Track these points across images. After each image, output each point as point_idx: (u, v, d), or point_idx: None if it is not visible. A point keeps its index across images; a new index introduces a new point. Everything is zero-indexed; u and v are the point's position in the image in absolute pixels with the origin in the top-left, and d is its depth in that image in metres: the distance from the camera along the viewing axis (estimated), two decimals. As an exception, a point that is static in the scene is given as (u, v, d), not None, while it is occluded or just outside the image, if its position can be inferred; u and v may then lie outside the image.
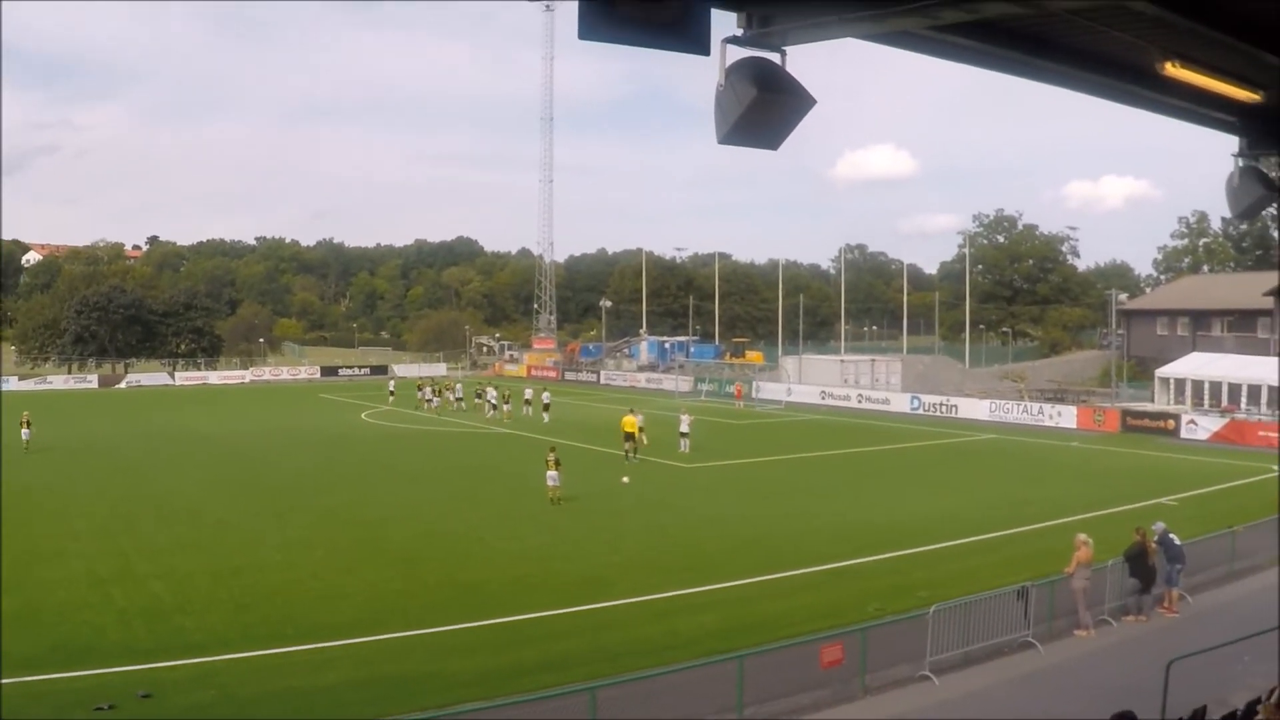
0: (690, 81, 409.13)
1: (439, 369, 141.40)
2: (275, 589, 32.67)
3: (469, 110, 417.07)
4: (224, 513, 45.07)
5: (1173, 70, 10.86)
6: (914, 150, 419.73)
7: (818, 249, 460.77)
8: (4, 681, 23.53)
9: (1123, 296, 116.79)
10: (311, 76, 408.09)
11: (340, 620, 29.17)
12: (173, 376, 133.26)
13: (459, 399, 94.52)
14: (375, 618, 29.37)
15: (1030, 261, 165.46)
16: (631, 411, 64.85)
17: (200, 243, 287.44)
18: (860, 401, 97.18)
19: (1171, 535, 30.88)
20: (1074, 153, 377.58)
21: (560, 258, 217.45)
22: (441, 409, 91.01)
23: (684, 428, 64.82)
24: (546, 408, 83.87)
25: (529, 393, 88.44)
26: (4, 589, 31.69)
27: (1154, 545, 30.12)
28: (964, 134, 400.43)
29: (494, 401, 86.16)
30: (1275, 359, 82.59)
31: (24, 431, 65.58)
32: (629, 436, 61.84)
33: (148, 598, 31.53)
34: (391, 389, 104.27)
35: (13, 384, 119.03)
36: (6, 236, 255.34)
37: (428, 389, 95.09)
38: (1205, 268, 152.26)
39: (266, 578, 33.95)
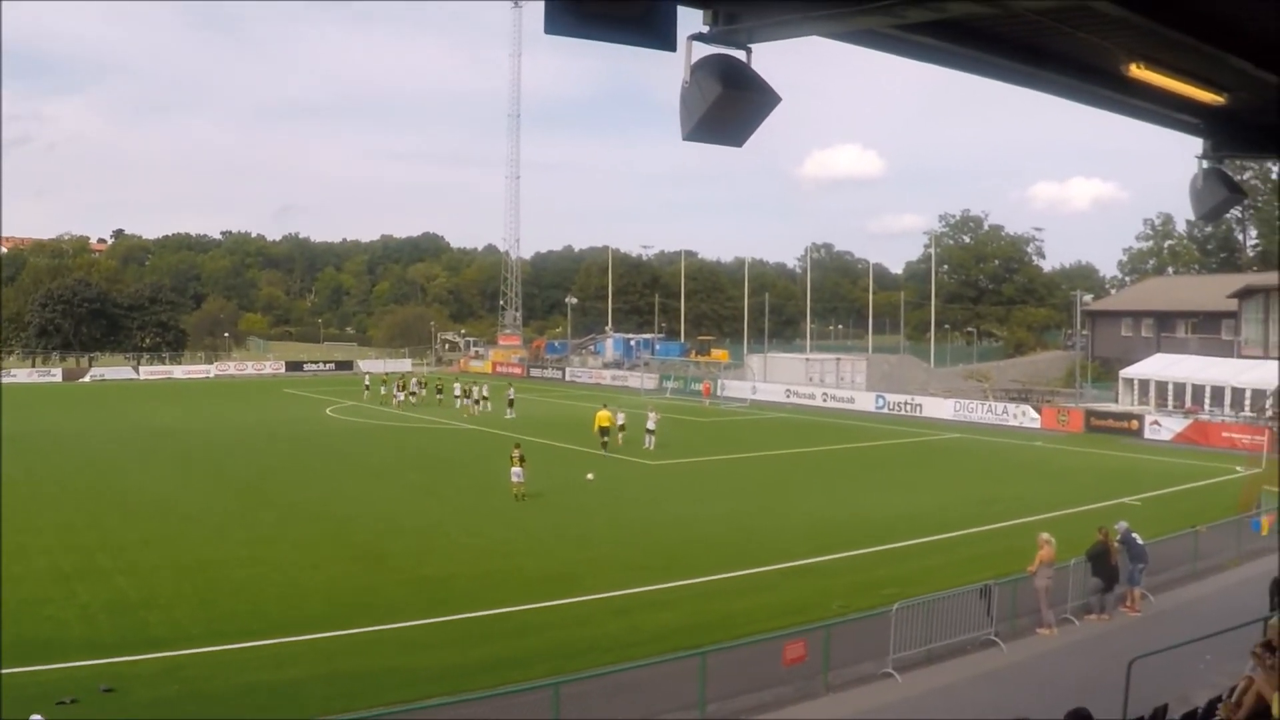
0: (657, 79, 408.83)
1: (404, 365, 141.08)
2: (240, 584, 32.59)
3: (437, 107, 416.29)
4: (189, 507, 44.93)
5: (1137, 72, 10.94)
6: (881, 150, 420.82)
7: (784, 248, 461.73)
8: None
9: (1087, 297, 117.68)
10: (279, 72, 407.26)
11: (305, 615, 29.15)
12: (137, 370, 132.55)
13: (412, 393, 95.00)
14: (340, 613, 29.35)
15: (996, 262, 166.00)
16: (605, 406, 65.51)
17: (166, 237, 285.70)
18: (825, 400, 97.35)
19: (1134, 535, 31.03)
20: (1041, 154, 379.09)
21: (527, 254, 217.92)
22: (406, 405, 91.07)
23: (650, 425, 64.85)
24: (511, 404, 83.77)
25: (483, 389, 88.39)
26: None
27: (1116, 545, 30.26)
28: (931, 134, 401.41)
29: (478, 397, 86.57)
30: (1238, 361, 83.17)
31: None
32: (604, 431, 62.65)
33: (112, 592, 31.41)
34: (367, 383, 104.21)
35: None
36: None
37: (394, 384, 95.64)
38: (1170, 270, 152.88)
39: (231, 573, 33.84)
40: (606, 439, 63.25)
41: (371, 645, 26.94)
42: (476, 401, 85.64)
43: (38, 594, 31.03)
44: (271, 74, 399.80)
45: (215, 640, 26.83)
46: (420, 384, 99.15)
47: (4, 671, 24.02)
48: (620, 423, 65.20)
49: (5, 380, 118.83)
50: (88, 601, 30.43)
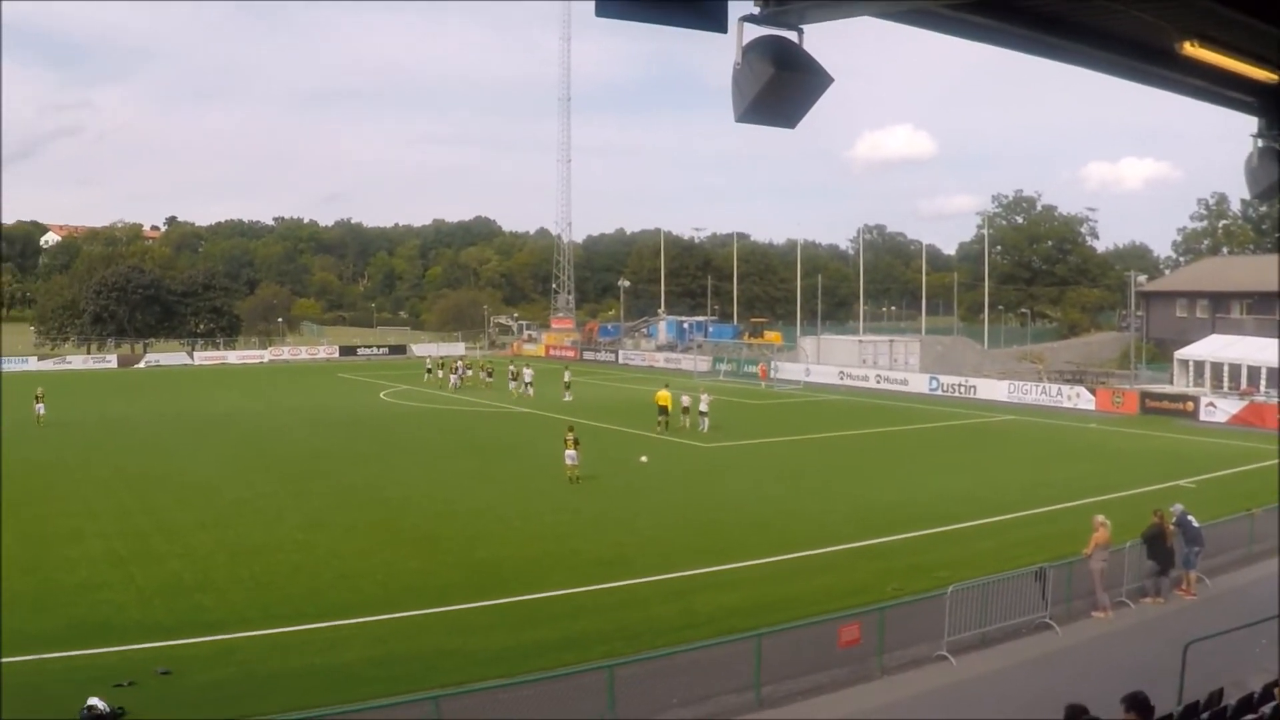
0: (708, 62, 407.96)
1: (458, 348, 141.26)
2: (294, 567, 32.80)
3: (487, 92, 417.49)
4: (243, 492, 45.22)
5: (1191, 50, 10.81)
6: (933, 131, 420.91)
7: (836, 229, 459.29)
8: (24, 659, 23.73)
9: (1141, 278, 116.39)
10: (329, 59, 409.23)
11: (358, 598, 29.28)
12: (191, 356, 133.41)
13: (465, 373, 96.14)
14: (393, 596, 29.52)
15: (1049, 243, 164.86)
16: (666, 386, 65.99)
17: (218, 223, 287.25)
18: (878, 382, 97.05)
19: (1190, 517, 30.77)
20: (1093, 134, 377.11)
21: (579, 238, 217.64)
22: (462, 386, 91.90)
23: (703, 407, 64.87)
24: (568, 386, 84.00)
25: (529, 373, 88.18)
26: (22, 568, 31.98)
27: (1172, 527, 30.06)
28: (983, 115, 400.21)
29: (526, 380, 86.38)
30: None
31: (38, 407, 66.35)
32: (663, 410, 63.08)
33: (167, 576, 31.65)
34: (428, 366, 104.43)
35: (32, 364, 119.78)
36: (26, 218, 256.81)
37: (449, 368, 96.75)
38: (1225, 250, 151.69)
39: (285, 556, 34.08)
40: (665, 418, 63.54)
41: (424, 628, 27.08)
42: (528, 384, 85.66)
43: (94, 578, 31.33)
44: (321, 61, 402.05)
45: (270, 623, 27.01)
46: (468, 367, 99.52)
47: (61, 654, 24.30)
48: (685, 404, 65.52)
49: (61, 368, 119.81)
50: (144, 585, 30.67)
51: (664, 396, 64.23)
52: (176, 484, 46.94)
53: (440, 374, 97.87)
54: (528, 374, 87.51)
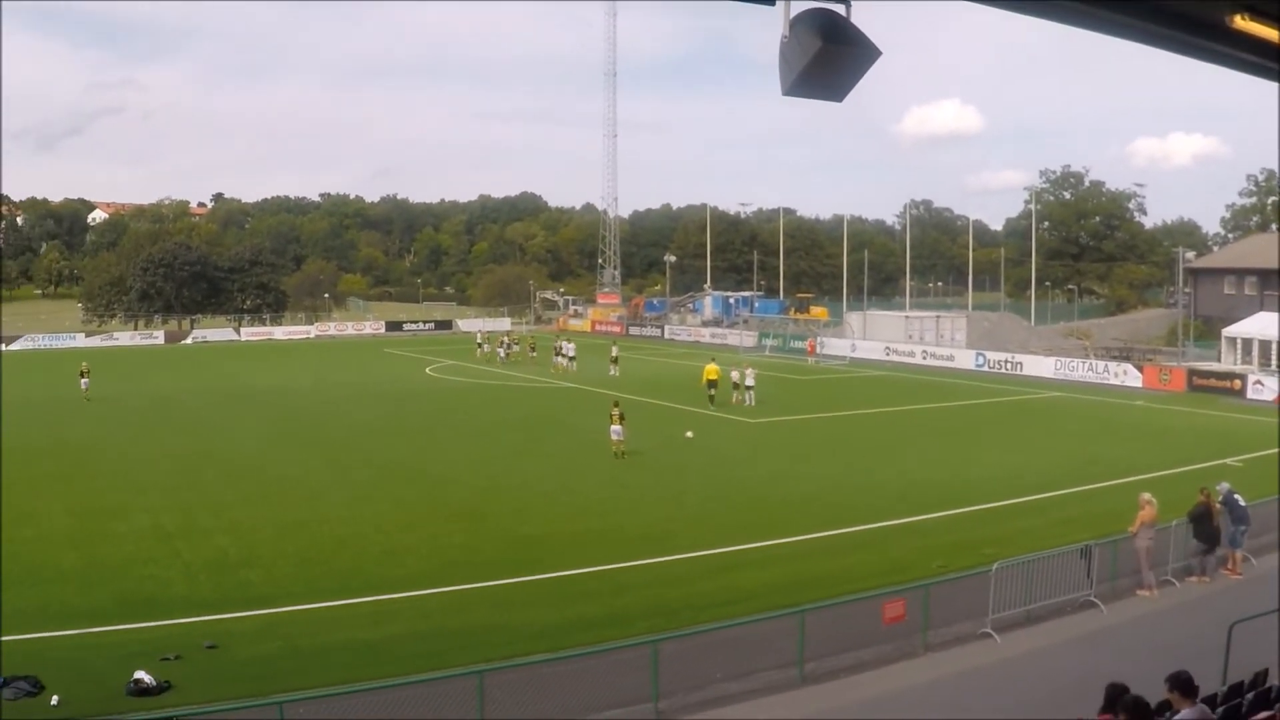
0: (754, 35, 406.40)
1: (504, 324, 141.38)
2: (339, 543, 32.98)
3: (532, 66, 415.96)
4: (288, 467, 45.51)
5: (1241, 23, 10.69)
6: (981, 106, 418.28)
7: (883, 205, 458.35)
8: (72, 632, 23.98)
9: (1190, 255, 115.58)
10: (373, 34, 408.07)
11: (403, 573, 29.46)
12: (238, 332, 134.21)
13: (511, 347, 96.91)
14: (437, 571, 29.65)
15: (1097, 219, 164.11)
16: (713, 360, 67.03)
17: (265, 200, 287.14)
18: (925, 358, 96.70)
19: (1236, 496, 30.60)
20: (1141, 109, 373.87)
21: (624, 213, 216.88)
22: (509, 361, 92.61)
23: (749, 381, 64.99)
24: (615, 361, 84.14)
25: (571, 348, 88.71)
26: (70, 543, 32.41)
27: (1218, 506, 29.92)
28: (1030, 90, 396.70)
29: (569, 355, 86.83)
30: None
31: (83, 381, 67.15)
32: (711, 384, 63.56)
33: (213, 551, 31.89)
34: (479, 340, 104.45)
35: (80, 340, 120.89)
36: (73, 195, 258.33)
37: (497, 343, 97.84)
38: (1274, 226, 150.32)
39: (330, 531, 34.28)
40: (714, 392, 63.87)
41: (469, 603, 27.18)
42: (571, 359, 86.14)
43: (141, 553, 31.59)
44: (365, 36, 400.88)
45: (314, 598, 27.17)
46: (515, 342, 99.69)
47: (109, 629, 24.53)
48: (735, 379, 65.94)
49: (108, 344, 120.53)
50: (190, 560, 30.93)
51: (712, 370, 64.64)
52: (222, 460, 47.25)
53: (487, 349, 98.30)
54: (570, 349, 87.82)
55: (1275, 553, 32.30)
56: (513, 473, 44.42)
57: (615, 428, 46.43)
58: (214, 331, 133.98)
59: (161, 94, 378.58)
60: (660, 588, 28.71)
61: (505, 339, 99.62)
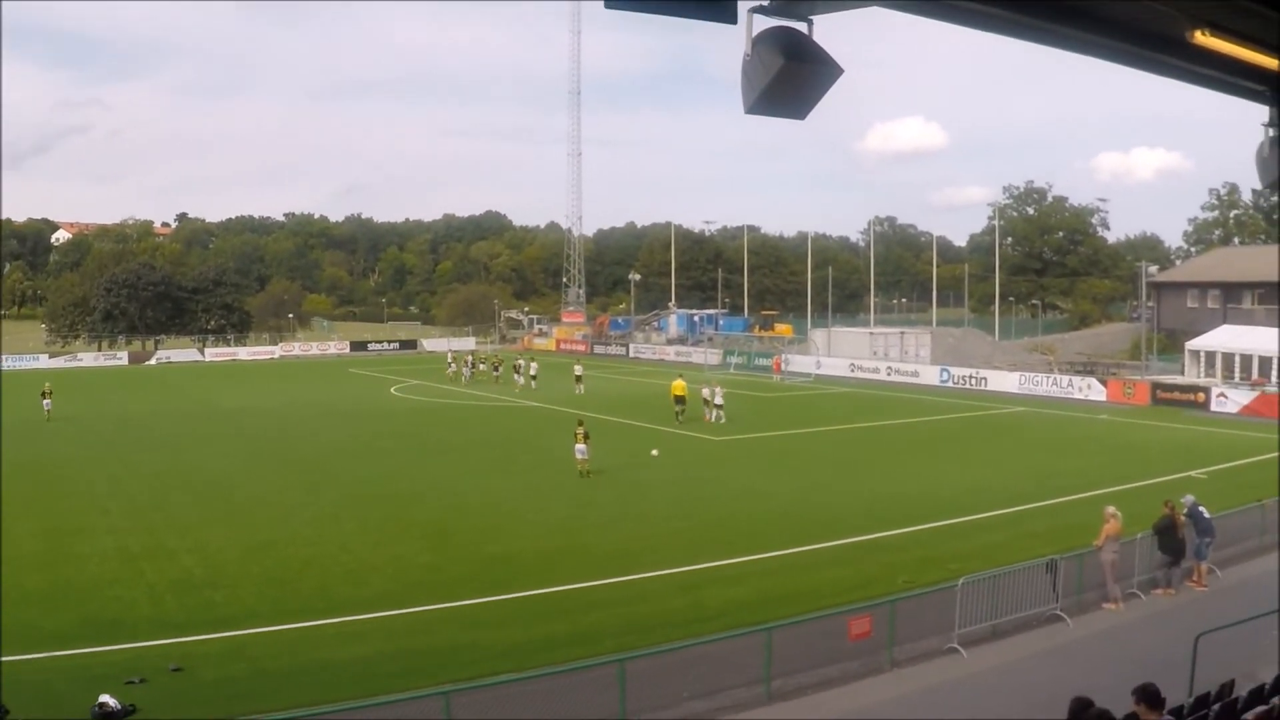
0: (717, 53, 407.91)
1: (468, 343, 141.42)
2: (305, 563, 32.86)
3: (497, 85, 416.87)
4: (254, 487, 45.36)
5: (1202, 39, 10.76)
6: (944, 122, 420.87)
7: (847, 222, 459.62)
8: (36, 656, 23.83)
9: (1153, 269, 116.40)
10: (338, 53, 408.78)
11: (370, 593, 29.38)
12: (202, 353, 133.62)
13: (475, 367, 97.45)
14: (404, 591, 29.56)
15: (1060, 234, 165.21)
16: (680, 377, 67.54)
17: (229, 219, 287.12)
18: (889, 374, 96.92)
19: (1201, 508, 30.78)
20: (1104, 124, 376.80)
21: (589, 231, 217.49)
22: (472, 381, 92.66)
23: (718, 400, 65.16)
24: (579, 379, 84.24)
25: (534, 367, 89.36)
26: (34, 565, 32.17)
27: (1183, 518, 30.06)
28: (994, 106, 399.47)
29: (529, 374, 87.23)
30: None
31: (45, 402, 67.09)
32: (679, 400, 64.35)
33: (178, 572, 31.74)
34: (449, 360, 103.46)
35: (43, 361, 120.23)
36: (37, 215, 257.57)
37: (461, 362, 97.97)
38: (1236, 240, 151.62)
39: (297, 552, 34.15)
40: (683, 407, 64.52)
41: (436, 623, 27.12)
42: (533, 377, 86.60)
43: (105, 574, 31.45)
44: (329, 54, 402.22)
45: (281, 619, 27.08)
46: (480, 362, 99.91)
47: (73, 652, 24.39)
48: (705, 396, 66.19)
49: (72, 365, 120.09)
50: (155, 581, 30.77)
51: (680, 386, 65.31)
52: (187, 480, 47.05)
53: (455, 368, 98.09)
54: (533, 368, 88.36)
55: (1240, 564, 32.51)
56: (479, 492, 44.35)
57: (580, 446, 46.42)
58: (178, 352, 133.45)
59: (128, 112, 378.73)
60: (628, 606, 28.66)
61: (470, 358, 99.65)
